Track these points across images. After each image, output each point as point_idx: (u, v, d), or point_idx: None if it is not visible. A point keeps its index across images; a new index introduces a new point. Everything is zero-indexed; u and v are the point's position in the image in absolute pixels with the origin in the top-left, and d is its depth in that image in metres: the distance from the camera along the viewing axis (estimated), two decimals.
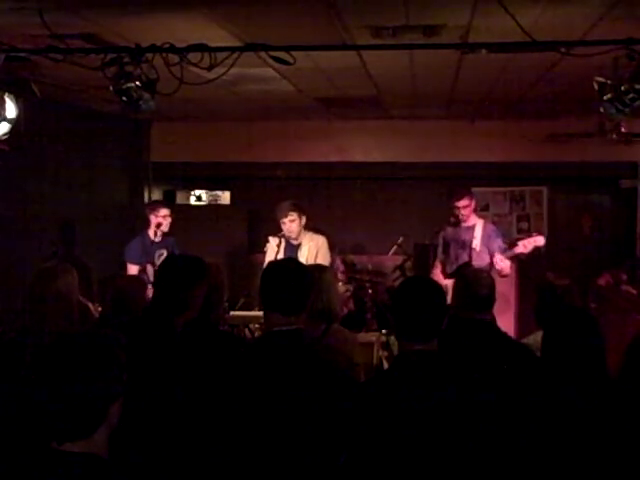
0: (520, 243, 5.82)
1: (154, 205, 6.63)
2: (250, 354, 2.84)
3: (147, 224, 6.47)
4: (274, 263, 2.98)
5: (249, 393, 2.63)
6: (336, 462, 2.55)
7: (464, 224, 6.20)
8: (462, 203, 6.13)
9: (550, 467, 2.54)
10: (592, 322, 2.81)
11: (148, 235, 6.39)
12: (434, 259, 6.74)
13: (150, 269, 6.16)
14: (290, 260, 3.54)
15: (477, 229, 6.13)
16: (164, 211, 6.40)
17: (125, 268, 6.28)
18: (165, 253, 6.29)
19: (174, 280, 3.02)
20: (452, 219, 6.33)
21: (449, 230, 6.35)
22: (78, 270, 3.84)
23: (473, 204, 6.23)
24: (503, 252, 5.94)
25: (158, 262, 6.16)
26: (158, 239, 6.36)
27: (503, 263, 5.79)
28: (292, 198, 6.00)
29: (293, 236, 5.80)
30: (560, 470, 2.53)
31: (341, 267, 7.90)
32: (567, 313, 3.03)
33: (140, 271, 6.16)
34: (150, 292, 5.31)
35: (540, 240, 5.78)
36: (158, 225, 6.32)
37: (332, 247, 6.12)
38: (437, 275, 6.28)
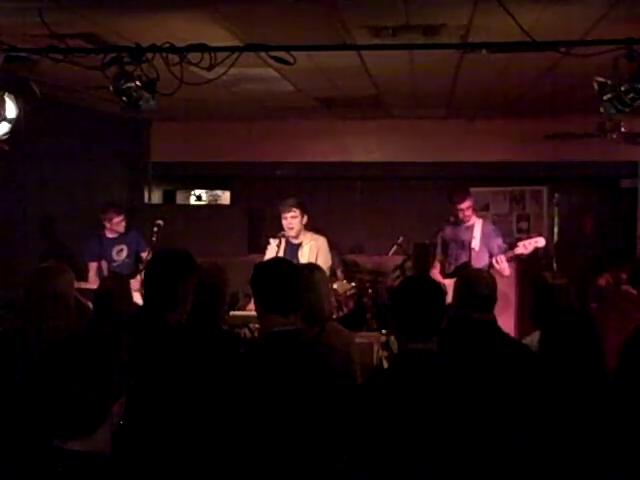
0: (520, 244, 5.83)
1: (105, 211, 6.78)
2: (251, 355, 2.84)
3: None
4: (264, 264, 2.97)
5: (250, 393, 2.64)
6: (337, 462, 2.55)
7: (464, 224, 6.21)
8: (465, 205, 6.15)
9: (548, 465, 2.54)
10: (589, 322, 2.81)
11: (104, 233, 6.76)
12: (434, 259, 6.74)
13: (104, 264, 6.64)
14: (280, 260, 3.54)
15: (476, 229, 6.13)
16: (116, 219, 6.69)
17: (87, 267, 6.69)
18: (125, 248, 6.74)
19: (162, 276, 3.00)
20: (452, 218, 6.32)
21: (448, 230, 6.35)
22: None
23: (472, 204, 6.25)
24: (503, 252, 5.94)
25: (116, 257, 6.71)
26: (114, 235, 6.73)
27: (502, 264, 5.79)
28: (295, 200, 6.00)
29: (293, 233, 5.79)
30: (558, 468, 2.53)
31: (340, 267, 7.89)
32: (564, 313, 3.03)
33: (97, 267, 6.64)
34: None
35: (541, 241, 5.79)
36: (110, 230, 6.72)
37: (332, 247, 6.12)
38: (435, 275, 6.28)
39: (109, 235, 6.74)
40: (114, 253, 6.72)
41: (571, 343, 2.70)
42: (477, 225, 6.17)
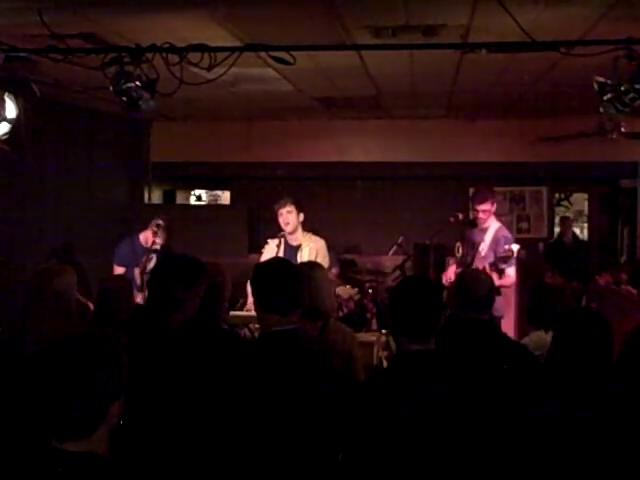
0: (499, 257, 5.60)
1: (158, 225, 6.38)
2: (250, 355, 2.84)
3: (142, 228, 6.44)
4: (263, 265, 2.99)
5: (249, 393, 2.64)
6: (335, 461, 2.55)
7: (481, 225, 6.14)
8: (481, 207, 6.03)
9: (549, 465, 2.54)
10: (604, 324, 2.80)
11: (139, 239, 6.39)
12: (435, 259, 6.71)
13: (136, 271, 6.17)
14: (279, 260, 3.54)
15: (489, 233, 6.07)
16: (163, 235, 6.33)
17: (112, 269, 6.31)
18: (154, 257, 6.29)
19: (168, 279, 3.00)
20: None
21: (468, 229, 6.29)
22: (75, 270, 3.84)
23: (494, 208, 6.11)
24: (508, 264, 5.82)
25: (146, 264, 6.23)
26: (148, 245, 6.35)
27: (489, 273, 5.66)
28: (292, 198, 6.01)
29: (289, 229, 5.78)
30: (559, 468, 2.53)
31: (335, 270, 7.86)
32: (579, 314, 3.02)
33: (126, 273, 6.17)
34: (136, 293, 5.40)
35: (513, 248, 5.63)
36: (152, 242, 6.31)
37: (330, 248, 6.11)
38: (450, 272, 6.21)
39: (144, 244, 6.34)
40: (144, 260, 6.25)
41: (587, 344, 2.68)
42: (491, 229, 6.08)
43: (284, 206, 5.77)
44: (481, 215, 6.06)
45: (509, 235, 6.18)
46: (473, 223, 6.21)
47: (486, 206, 6.06)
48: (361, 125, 9.07)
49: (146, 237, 6.38)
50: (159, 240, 6.33)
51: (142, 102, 4.22)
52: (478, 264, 5.88)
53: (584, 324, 2.77)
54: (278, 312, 2.69)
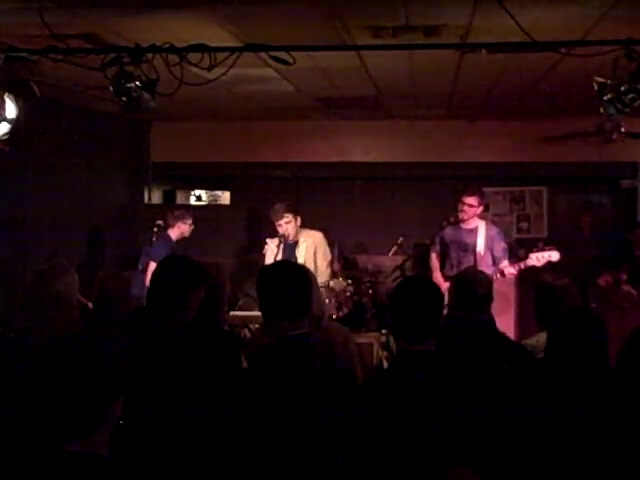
0: (533, 256, 5.58)
1: (183, 213, 7.05)
2: (263, 358, 2.81)
3: (167, 227, 6.95)
4: (270, 268, 2.95)
5: (249, 393, 2.63)
6: (334, 464, 2.55)
7: (464, 225, 6.07)
8: (468, 200, 5.96)
9: (547, 465, 2.54)
10: (599, 321, 2.80)
11: (170, 237, 6.88)
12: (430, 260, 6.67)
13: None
14: (286, 263, 3.51)
15: (480, 231, 6.00)
16: (190, 221, 6.96)
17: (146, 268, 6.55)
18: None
19: (168, 281, 3.00)
20: (452, 219, 6.25)
21: (448, 231, 6.19)
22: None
23: (480, 208, 6.06)
24: (505, 258, 5.85)
25: None
26: (176, 237, 6.92)
27: (513, 271, 5.72)
28: (292, 198, 6.01)
29: (290, 237, 5.81)
30: (557, 468, 2.53)
31: (340, 262, 7.84)
32: (574, 312, 3.02)
33: None
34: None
35: (555, 255, 5.54)
36: (182, 233, 6.91)
37: (332, 243, 6.11)
38: (438, 279, 6.15)
39: (173, 237, 6.84)
40: None
41: (580, 342, 2.68)
42: (481, 228, 6.02)
43: (281, 218, 5.73)
44: (465, 208, 5.96)
45: (499, 230, 6.17)
46: (456, 223, 6.11)
47: (473, 200, 5.97)
48: (361, 125, 9.06)
49: (182, 231, 6.91)
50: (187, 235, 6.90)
51: (142, 102, 4.22)
52: (482, 265, 5.79)
53: (578, 323, 2.78)
54: (289, 319, 2.65)
